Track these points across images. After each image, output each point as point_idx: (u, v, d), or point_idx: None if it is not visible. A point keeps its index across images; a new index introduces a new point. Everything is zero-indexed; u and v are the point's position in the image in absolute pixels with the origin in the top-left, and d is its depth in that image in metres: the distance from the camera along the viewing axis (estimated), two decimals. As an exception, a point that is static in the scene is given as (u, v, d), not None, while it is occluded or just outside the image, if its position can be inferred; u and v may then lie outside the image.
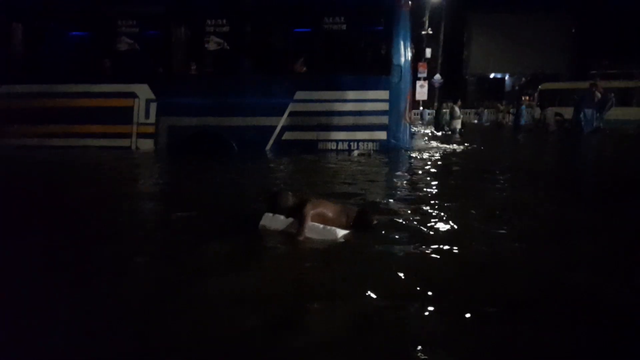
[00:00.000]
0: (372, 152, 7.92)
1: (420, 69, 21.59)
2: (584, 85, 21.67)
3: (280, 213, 3.24)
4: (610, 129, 14.18)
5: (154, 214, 4.26)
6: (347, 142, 8.06)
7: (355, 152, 7.96)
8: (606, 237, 3.28)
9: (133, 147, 8.15)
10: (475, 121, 25.29)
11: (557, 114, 15.41)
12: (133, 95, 8.12)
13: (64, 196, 4.75)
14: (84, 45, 8.62)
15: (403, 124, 8.09)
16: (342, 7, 7.97)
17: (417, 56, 21.89)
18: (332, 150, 8.05)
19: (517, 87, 34.04)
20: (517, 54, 31.67)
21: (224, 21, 8.17)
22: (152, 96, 8.09)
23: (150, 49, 8.44)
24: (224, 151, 7.82)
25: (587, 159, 9.19)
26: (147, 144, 8.14)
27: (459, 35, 33.71)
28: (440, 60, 31.32)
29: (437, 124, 17.41)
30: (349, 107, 7.95)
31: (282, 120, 8.01)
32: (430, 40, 29.05)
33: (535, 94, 19.48)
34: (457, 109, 18.13)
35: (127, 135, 8.15)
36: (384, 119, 7.96)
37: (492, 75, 35.52)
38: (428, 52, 26.05)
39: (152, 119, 8.12)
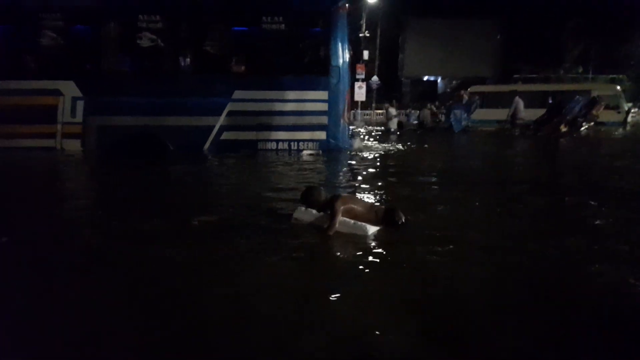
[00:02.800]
0: (320, 152, 7.97)
1: (359, 70, 22.00)
2: (509, 88, 23.21)
3: (312, 207, 3.40)
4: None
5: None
6: (287, 142, 8.07)
7: (305, 152, 7.97)
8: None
9: (58, 147, 7.65)
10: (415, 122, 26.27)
11: (433, 113, 16.70)
12: (57, 93, 7.62)
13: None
14: (5, 39, 7.94)
15: (342, 124, 8.22)
16: (281, 7, 7.96)
17: (355, 58, 22.30)
18: (272, 150, 8.02)
19: (448, 90, 35.68)
20: (449, 58, 33.21)
21: (158, 17, 7.88)
22: (79, 94, 7.63)
23: (77, 44, 7.95)
24: (159, 152, 7.54)
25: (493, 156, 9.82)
26: (73, 145, 7.67)
27: (394, 39, 34.77)
28: (377, 63, 32.14)
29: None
30: (288, 107, 7.95)
31: (221, 120, 7.86)
32: (368, 43, 29.72)
33: (477, 97, 20.53)
34: (392, 110, 18.72)
35: (52, 136, 7.64)
36: (323, 119, 8.04)
37: (425, 78, 36.96)
38: (365, 54, 26.59)
39: (79, 118, 7.66)
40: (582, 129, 14.99)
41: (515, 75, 27.49)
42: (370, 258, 2.78)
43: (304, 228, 3.35)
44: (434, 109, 20.84)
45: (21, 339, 1.90)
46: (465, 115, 15.37)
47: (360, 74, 22.29)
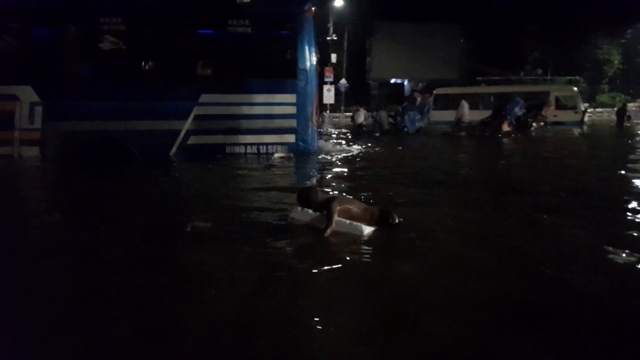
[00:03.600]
0: (292, 155, 7.94)
1: (327, 73, 22.15)
2: (473, 90, 23.86)
3: (309, 208, 3.44)
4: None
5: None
6: (256, 146, 8.00)
7: (276, 155, 7.93)
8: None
9: (16, 155, 7.32)
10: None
11: (389, 115, 17.30)
12: (14, 98, 7.29)
13: None
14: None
15: (311, 127, 8.22)
16: (247, 11, 7.90)
17: (323, 61, 22.41)
18: (241, 153, 7.94)
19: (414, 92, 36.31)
20: (415, 61, 33.78)
21: (120, 20, 7.67)
22: (37, 99, 7.33)
23: (34, 47, 7.63)
24: (123, 158, 7.33)
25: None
26: (31, 152, 7.35)
27: (362, 42, 35.13)
28: (345, 66, 32.40)
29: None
30: (256, 110, 7.89)
31: (187, 125, 7.71)
32: (336, 47, 29.93)
33: (431, 98, 21.04)
34: (361, 112, 18.95)
35: (9, 143, 7.29)
36: (292, 122, 8.02)
37: (393, 81, 37.46)
38: (333, 57, 26.79)
39: (38, 124, 7.34)
40: (532, 128, 15.96)
41: (479, 78, 28.33)
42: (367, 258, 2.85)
43: (301, 228, 3.40)
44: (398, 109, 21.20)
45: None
46: (419, 116, 16.02)
47: (329, 77, 22.44)
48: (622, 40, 35.36)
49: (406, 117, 15.80)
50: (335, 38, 28.79)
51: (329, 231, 3.18)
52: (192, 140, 7.76)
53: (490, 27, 33.92)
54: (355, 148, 10.55)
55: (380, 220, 3.38)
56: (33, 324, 2.06)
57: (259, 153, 7.99)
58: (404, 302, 2.26)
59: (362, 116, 17.74)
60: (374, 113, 18.47)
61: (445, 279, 2.56)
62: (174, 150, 7.72)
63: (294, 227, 3.47)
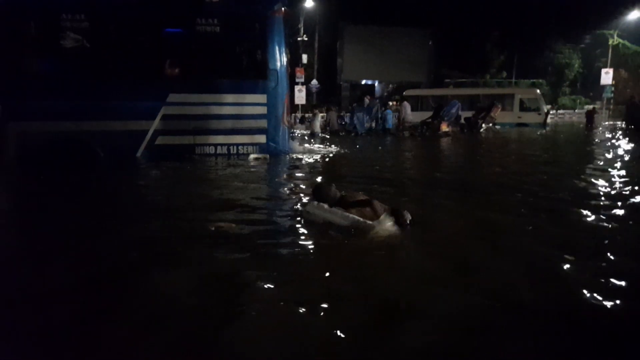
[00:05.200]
0: (268, 156, 7.88)
1: (298, 74, 22.14)
2: (441, 92, 24.33)
3: (325, 202, 3.51)
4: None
5: None
6: (226, 146, 7.90)
7: (251, 157, 7.84)
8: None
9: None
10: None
11: (339, 116, 17.79)
12: (-30, 98, 6.96)
13: None
14: None
15: (282, 128, 8.18)
16: (215, 9, 7.79)
17: (294, 62, 22.38)
18: (210, 154, 7.82)
19: (385, 94, 36.69)
20: (385, 64, 34.10)
21: (83, 16, 7.43)
22: (-5, 98, 7.01)
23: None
24: (88, 159, 7.10)
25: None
26: (-11, 154, 7.02)
27: (333, 43, 35.25)
28: (316, 67, 32.44)
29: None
30: (226, 110, 7.80)
31: (155, 125, 7.54)
32: (307, 47, 29.94)
33: (376, 100, 21.34)
34: (319, 115, 19.14)
35: (-36, 145, 6.95)
36: (263, 123, 7.96)
37: (363, 82, 37.74)
38: (305, 58, 26.80)
39: (-5, 124, 7.02)
40: (482, 129, 16.76)
41: (447, 80, 28.90)
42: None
43: (317, 223, 3.45)
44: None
45: None
46: (367, 117, 16.59)
47: (300, 77, 22.42)
48: (582, 45, 36.80)
49: (355, 119, 16.31)
50: (306, 39, 28.82)
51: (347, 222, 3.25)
52: (160, 140, 7.59)
53: (457, 32, 34.74)
54: (330, 149, 10.60)
55: (392, 219, 3.38)
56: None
57: (229, 154, 7.89)
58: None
59: (317, 125, 17.63)
60: (342, 113, 18.69)
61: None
62: (140, 151, 7.54)
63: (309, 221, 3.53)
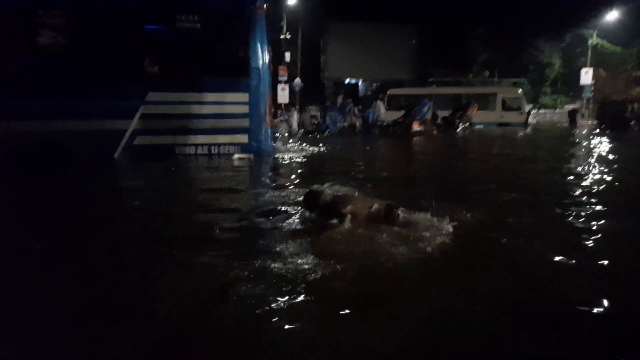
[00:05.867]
0: (252, 156, 7.76)
1: (281, 72, 21.94)
2: (426, 91, 24.44)
3: (315, 210, 3.49)
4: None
5: None
6: (207, 146, 7.75)
7: (235, 156, 7.70)
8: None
9: None
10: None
11: (312, 116, 17.98)
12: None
13: None
14: None
15: (264, 127, 8.05)
16: (195, 6, 7.61)
17: (277, 60, 22.16)
18: (191, 154, 7.66)
19: (369, 92, 36.70)
20: (369, 61, 34.11)
21: (59, 13, 7.19)
22: (-34, 97, 6.73)
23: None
24: (63, 160, 6.85)
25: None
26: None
27: (316, 41, 35.10)
28: (299, 65, 32.24)
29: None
30: (207, 109, 7.64)
31: (133, 124, 7.35)
32: (289, 45, 29.71)
33: (385, 98, 21.37)
34: (295, 114, 19.14)
35: None
36: (245, 122, 7.82)
37: (347, 80, 37.69)
38: (287, 56, 26.59)
39: (-34, 124, 6.75)
40: (459, 129, 17.04)
41: (430, 79, 29.05)
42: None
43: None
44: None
45: None
46: (340, 117, 16.90)
47: (283, 75, 22.24)
48: (562, 45, 37.35)
49: (327, 118, 16.55)
50: (289, 36, 28.59)
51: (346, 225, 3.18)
52: (139, 140, 7.40)
53: (441, 30, 34.93)
54: (313, 149, 10.51)
55: (385, 217, 3.34)
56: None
57: (210, 154, 7.74)
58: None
59: (295, 123, 17.60)
60: (363, 112, 18.81)
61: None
62: (118, 151, 7.33)
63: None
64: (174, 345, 1.87)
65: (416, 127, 15.37)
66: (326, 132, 16.07)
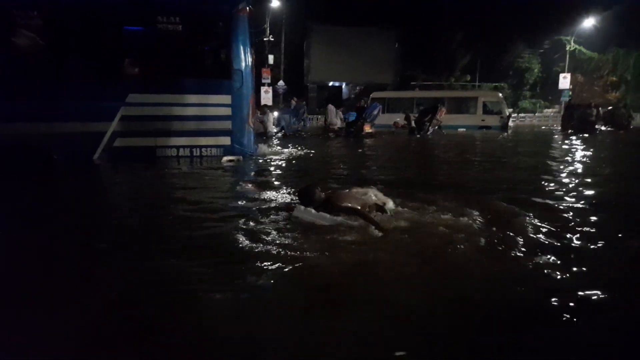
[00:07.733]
0: (241, 158, 7.73)
1: (264, 74, 21.94)
2: (408, 94, 24.65)
3: (311, 205, 3.46)
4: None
5: None
6: (189, 148, 7.68)
7: (225, 159, 7.65)
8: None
9: None
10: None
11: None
12: None
13: None
14: None
15: (247, 129, 8.02)
16: (177, 7, 7.54)
17: (260, 62, 22.14)
18: (173, 157, 7.58)
19: (352, 95, 36.85)
20: (353, 65, 34.27)
21: (36, 13, 7.04)
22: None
23: None
24: (40, 163, 6.70)
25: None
26: None
27: (299, 44, 35.13)
28: (283, 67, 32.24)
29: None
30: (189, 111, 7.57)
31: (113, 126, 7.23)
32: (273, 47, 29.70)
33: (369, 101, 21.48)
34: (270, 114, 19.31)
35: None
36: (227, 124, 7.77)
37: (331, 84, 37.80)
38: (271, 58, 26.59)
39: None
40: (429, 132, 17.34)
41: (413, 83, 29.31)
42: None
43: (305, 225, 3.37)
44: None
45: None
46: (294, 119, 17.59)
47: (266, 78, 22.24)
48: (541, 50, 38.13)
49: (282, 121, 17.04)
50: (272, 39, 28.57)
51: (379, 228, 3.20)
52: (119, 142, 7.28)
53: (423, 35, 35.34)
54: (295, 151, 10.50)
55: (379, 211, 3.47)
56: None
57: (192, 156, 7.67)
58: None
59: (271, 124, 17.74)
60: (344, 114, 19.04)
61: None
62: (98, 153, 7.21)
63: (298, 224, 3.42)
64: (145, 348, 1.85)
65: (367, 129, 15.85)
66: (280, 133, 16.25)
